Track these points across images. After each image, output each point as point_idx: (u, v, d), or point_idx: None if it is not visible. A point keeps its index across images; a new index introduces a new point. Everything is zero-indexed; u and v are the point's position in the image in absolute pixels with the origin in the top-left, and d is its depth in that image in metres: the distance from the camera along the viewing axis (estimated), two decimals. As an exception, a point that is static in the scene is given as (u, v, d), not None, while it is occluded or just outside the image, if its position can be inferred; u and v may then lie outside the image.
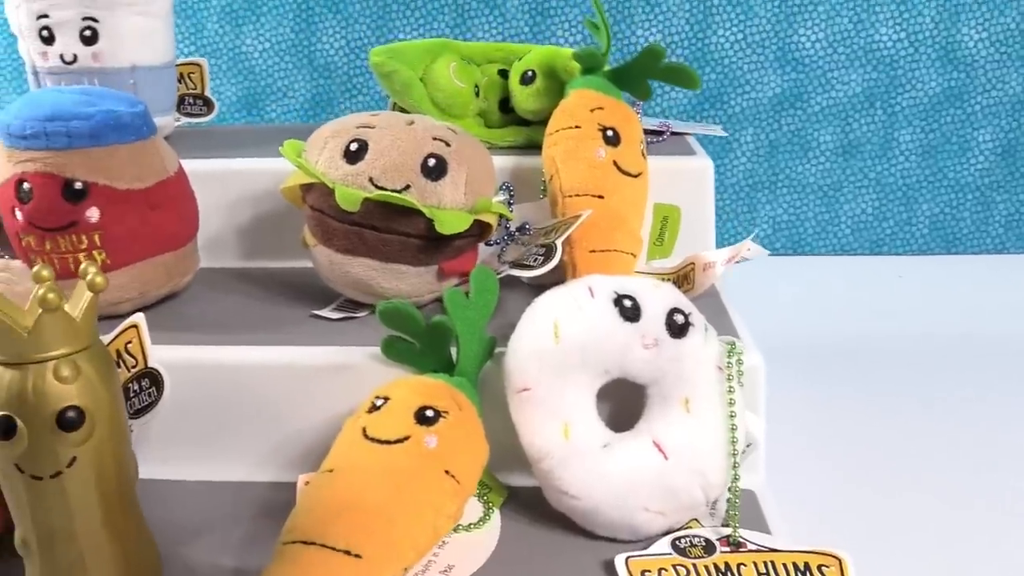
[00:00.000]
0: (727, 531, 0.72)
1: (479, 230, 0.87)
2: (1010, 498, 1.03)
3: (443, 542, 0.71)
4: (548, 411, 0.73)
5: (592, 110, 0.91)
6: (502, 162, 1.00)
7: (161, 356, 0.78)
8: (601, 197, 0.87)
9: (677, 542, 0.71)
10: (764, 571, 0.68)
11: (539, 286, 0.88)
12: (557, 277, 0.85)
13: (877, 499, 1.03)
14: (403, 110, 1.06)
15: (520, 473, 0.79)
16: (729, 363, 0.74)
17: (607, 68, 0.97)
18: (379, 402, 0.72)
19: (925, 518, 0.99)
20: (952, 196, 1.85)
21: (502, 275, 0.82)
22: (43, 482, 0.61)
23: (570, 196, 0.88)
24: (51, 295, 0.58)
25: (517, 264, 0.84)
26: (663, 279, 0.89)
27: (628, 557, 0.69)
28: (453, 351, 0.77)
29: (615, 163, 0.89)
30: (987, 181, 1.84)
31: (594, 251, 0.86)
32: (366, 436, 0.69)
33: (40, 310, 0.59)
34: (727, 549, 0.71)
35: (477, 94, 1.06)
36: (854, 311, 1.61)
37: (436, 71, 1.03)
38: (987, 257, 1.87)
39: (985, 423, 1.20)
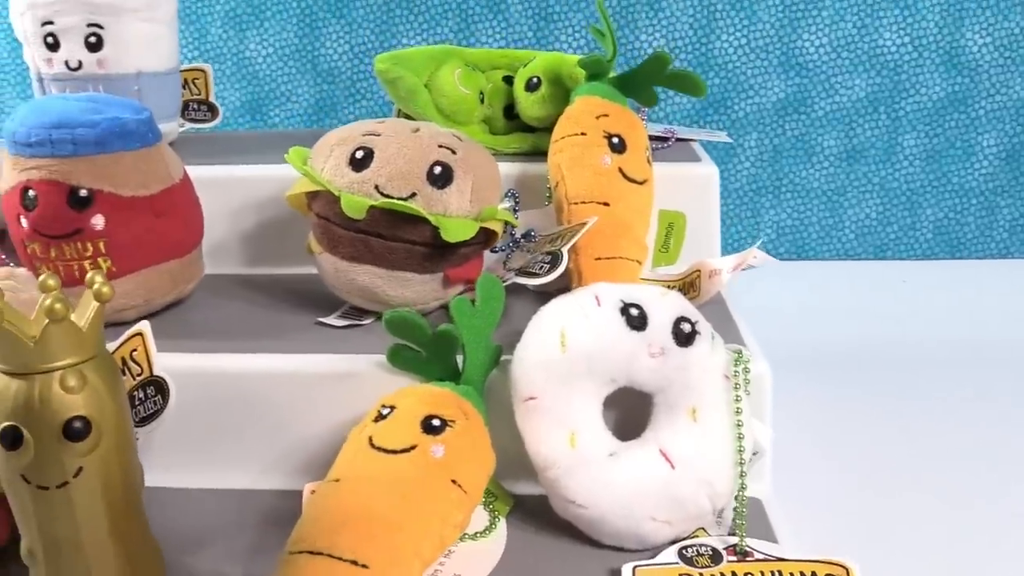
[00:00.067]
0: (734, 540, 0.72)
1: (485, 237, 0.87)
2: (1017, 503, 1.03)
3: (449, 551, 0.71)
4: (554, 420, 0.73)
5: (598, 117, 0.91)
6: (507, 169, 0.99)
7: (166, 364, 0.78)
8: (607, 204, 0.87)
9: (684, 551, 0.71)
10: (771, 581, 0.68)
11: (545, 293, 0.88)
12: (562, 284, 0.85)
13: (883, 506, 1.02)
14: (408, 116, 1.05)
15: (526, 481, 0.78)
16: (736, 371, 0.74)
17: (612, 75, 0.97)
18: (385, 411, 0.72)
19: (933, 525, 0.99)
20: (956, 201, 1.84)
21: (508, 283, 0.82)
22: (49, 492, 0.61)
23: (575, 203, 0.88)
24: (58, 305, 0.58)
25: (523, 272, 0.84)
26: (669, 286, 0.89)
27: (635, 566, 0.69)
28: (459, 359, 0.77)
29: (621, 170, 0.89)
30: (991, 186, 1.83)
31: (600, 258, 0.86)
32: (372, 445, 0.69)
33: (47, 320, 0.59)
34: (734, 558, 0.70)
35: (482, 101, 1.06)
36: (858, 316, 1.60)
37: (441, 78, 1.03)
38: (991, 262, 1.87)
39: (991, 428, 1.20)
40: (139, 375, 0.78)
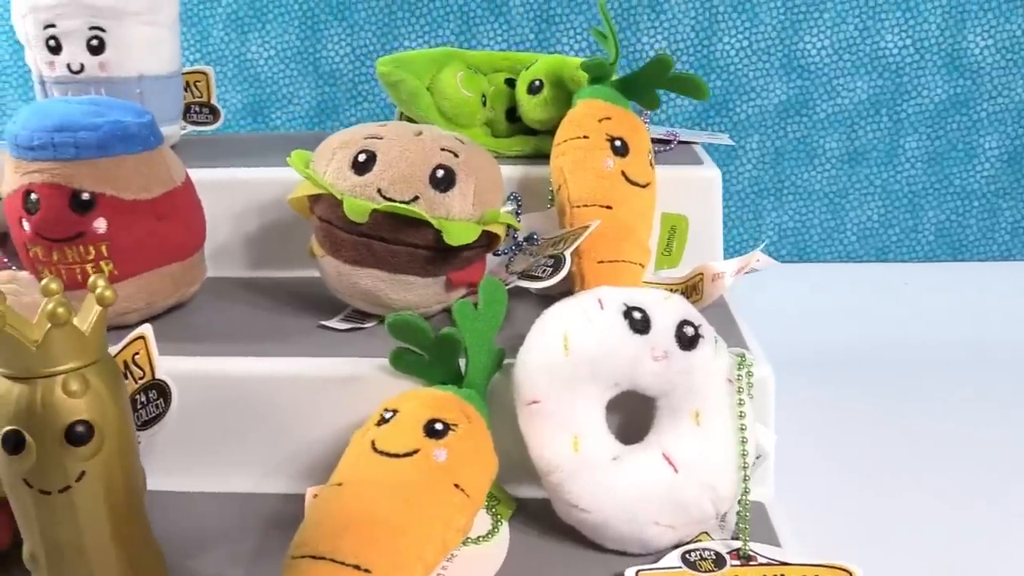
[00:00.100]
0: (737, 544, 0.72)
1: (487, 241, 0.87)
2: (1019, 504, 1.02)
3: (451, 555, 0.70)
4: (558, 424, 0.73)
5: (600, 120, 0.91)
6: (509, 172, 0.99)
7: (168, 367, 0.78)
8: (609, 207, 0.87)
9: (687, 555, 0.71)
10: (775, 585, 0.68)
11: (547, 297, 0.88)
12: (565, 287, 0.85)
13: (886, 509, 1.02)
14: (410, 119, 1.05)
15: (528, 485, 0.78)
16: (739, 375, 0.74)
17: (615, 77, 0.97)
18: (388, 415, 0.72)
19: (936, 527, 0.98)
20: (958, 203, 1.84)
21: (510, 286, 0.82)
22: (52, 497, 0.61)
23: (578, 206, 0.88)
24: (60, 309, 0.58)
25: (525, 275, 0.84)
26: (671, 289, 0.89)
27: (638, 571, 0.69)
28: (462, 363, 0.77)
29: (623, 173, 0.89)
30: (993, 188, 1.83)
31: (602, 262, 0.86)
32: (375, 449, 0.69)
33: (49, 324, 0.59)
34: (737, 563, 0.70)
35: (484, 103, 1.06)
36: (859, 318, 1.60)
37: (443, 80, 1.03)
38: (993, 264, 1.87)
39: (993, 430, 1.20)
40: (141, 379, 0.78)
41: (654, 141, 0.99)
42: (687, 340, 0.74)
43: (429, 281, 0.85)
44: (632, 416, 0.77)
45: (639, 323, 0.74)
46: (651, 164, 0.93)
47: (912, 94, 1.79)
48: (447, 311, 0.88)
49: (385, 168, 0.82)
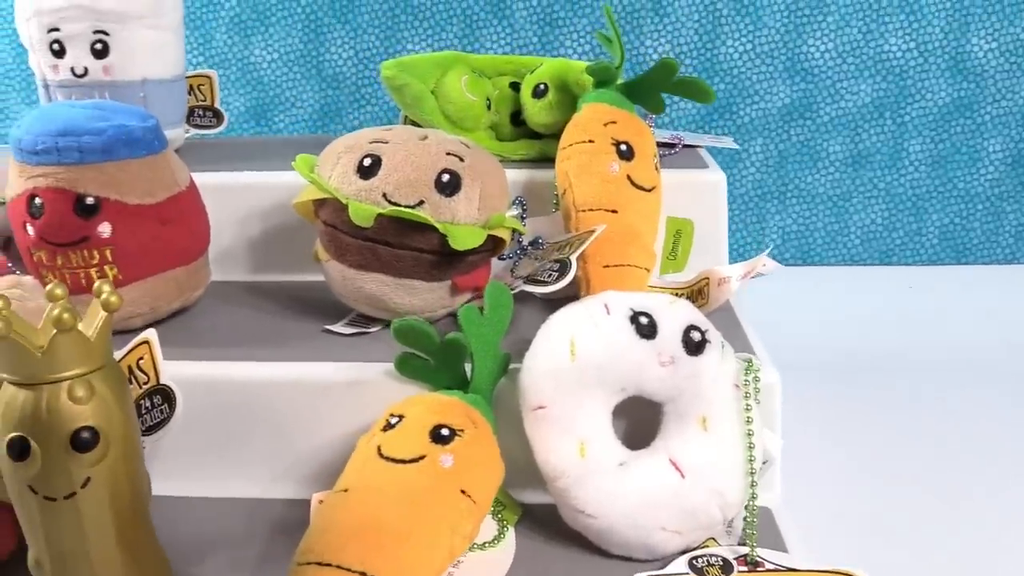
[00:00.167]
0: (744, 550, 0.72)
1: (492, 245, 0.87)
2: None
3: (457, 561, 0.70)
4: (564, 429, 0.72)
5: (605, 124, 0.91)
6: (514, 176, 0.99)
7: (173, 372, 0.78)
8: (615, 212, 0.87)
9: (694, 561, 0.71)
10: (783, 592, 0.68)
11: (552, 301, 0.88)
12: (570, 292, 0.85)
13: (891, 513, 1.02)
14: (415, 123, 1.05)
15: (534, 490, 0.78)
16: (746, 380, 0.74)
17: (620, 81, 0.97)
18: (394, 420, 0.71)
19: (943, 533, 0.98)
20: (962, 206, 1.84)
21: (516, 290, 0.82)
22: (57, 503, 0.60)
23: (584, 211, 0.87)
24: (66, 315, 0.58)
25: (531, 280, 0.84)
26: (677, 294, 0.89)
27: (645, 577, 0.69)
28: (467, 368, 0.77)
29: (629, 177, 0.89)
30: (997, 191, 1.83)
31: (608, 266, 0.85)
32: (381, 455, 0.68)
33: (54, 330, 0.58)
34: (744, 568, 0.70)
35: (489, 107, 1.06)
36: (863, 321, 1.60)
37: (448, 84, 1.03)
38: (997, 267, 1.86)
39: (999, 434, 1.19)
40: (146, 383, 0.78)
41: (659, 145, 0.99)
42: (694, 345, 0.74)
43: (434, 285, 0.85)
44: (638, 421, 0.77)
45: (646, 328, 0.73)
46: (656, 168, 0.92)
47: (916, 97, 1.79)
48: (452, 316, 0.87)
49: (390, 172, 0.82)
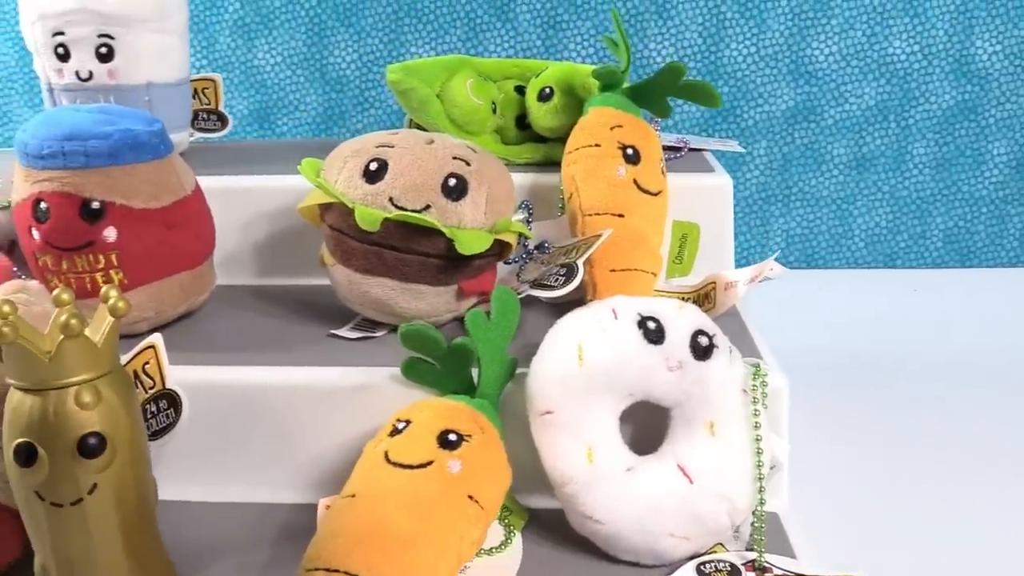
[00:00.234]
0: (752, 556, 0.71)
1: (499, 249, 0.87)
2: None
3: (464, 566, 0.70)
4: (571, 434, 0.72)
5: (612, 128, 0.91)
6: (519, 179, 0.99)
7: (178, 377, 0.78)
8: (621, 216, 0.87)
9: (702, 567, 0.71)
10: (791, 598, 0.68)
11: (559, 305, 0.87)
12: (576, 296, 0.85)
13: (896, 516, 1.01)
14: (420, 127, 1.05)
15: (541, 495, 0.78)
16: (754, 386, 0.73)
17: (626, 85, 0.97)
18: (401, 425, 0.71)
19: (951, 537, 0.98)
20: (966, 209, 1.83)
21: (522, 295, 0.81)
22: (64, 509, 0.60)
23: (590, 215, 0.87)
24: (73, 320, 0.58)
25: (538, 284, 0.84)
26: (684, 298, 0.88)
27: (653, 583, 0.69)
28: (474, 372, 0.77)
29: (635, 181, 0.88)
30: (1001, 194, 1.82)
31: (614, 270, 0.85)
32: (388, 460, 0.68)
33: (61, 335, 0.58)
34: (752, 574, 0.70)
35: (494, 111, 1.06)
36: (868, 325, 1.59)
37: (453, 88, 1.03)
38: (1002, 270, 1.86)
39: (1004, 437, 1.19)
40: (151, 388, 0.77)
41: (664, 149, 0.99)
42: (702, 350, 0.73)
43: (440, 290, 0.85)
44: (646, 426, 0.77)
45: (653, 333, 0.73)
46: (663, 172, 0.92)
47: (920, 100, 1.78)
48: (458, 320, 0.87)
49: (397, 177, 0.82)
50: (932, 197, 1.83)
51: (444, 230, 0.81)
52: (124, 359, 0.76)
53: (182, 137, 1.14)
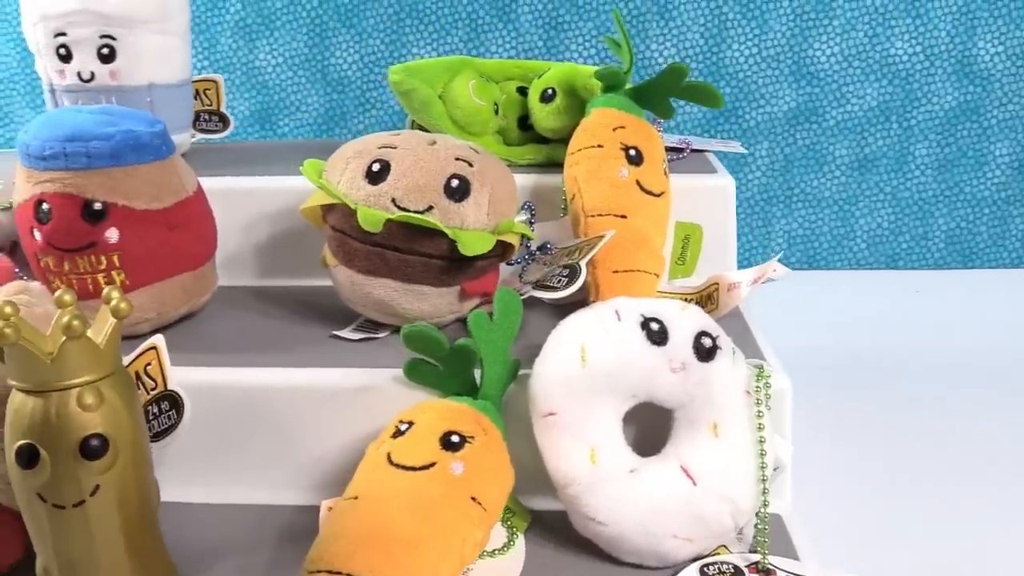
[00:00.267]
0: (756, 558, 0.71)
1: (501, 250, 0.87)
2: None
3: (467, 569, 0.70)
4: (574, 436, 0.72)
5: (614, 129, 0.91)
6: (522, 180, 0.99)
7: (180, 378, 0.78)
8: (624, 217, 0.87)
9: (705, 569, 0.70)
10: (795, 600, 0.68)
11: (561, 306, 0.87)
12: (579, 297, 0.84)
13: (900, 517, 1.01)
14: (422, 128, 1.05)
15: (544, 497, 0.78)
16: (757, 387, 0.73)
17: (628, 86, 0.97)
18: (403, 427, 0.71)
19: (954, 537, 0.97)
20: (968, 210, 1.83)
21: (525, 296, 0.81)
22: (66, 511, 0.60)
23: (593, 216, 0.87)
24: (75, 322, 0.58)
25: (540, 285, 0.84)
26: (686, 299, 0.88)
27: (656, 585, 0.69)
28: (477, 374, 0.76)
29: (638, 182, 0.88)
30: (1004, 195, 1.82)
31: (617, 271, 0.85)
32: (391, 462, 0.68)
33: (63, 337, 0.58)
34: (756, 576, 0.70)
35: (496, 112, 1.06)
36: (869, 326, 1.59)
37: (455, 89, 1.03)
38: (1004, 272, 1.86)
39: (1008, 439, 1.19)
40: (153, 389, 0.77)
41: (667, 150, 0.99)
42: (705, 351, 0.73)
43: (443, 291, 0.85)
44: (649, 428, 0.77)
45: (657, 334, 0.73)
46: (665, 173, 0.92)
47: (922, 101, 1.78)
48: (460, 321, 0.87)
49: (399, 178, 0.82)
50: (934, 198, 1.83)
51: (447, 231, 0.81)
52: (126, 360, 0.76)
53: (184, 138, 1.14)
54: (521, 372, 0.78)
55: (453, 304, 0.86)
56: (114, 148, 0.82)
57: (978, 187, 1.82)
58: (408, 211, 0.81)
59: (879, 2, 1.73)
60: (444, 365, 0.75)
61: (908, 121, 1.79)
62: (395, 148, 0.84)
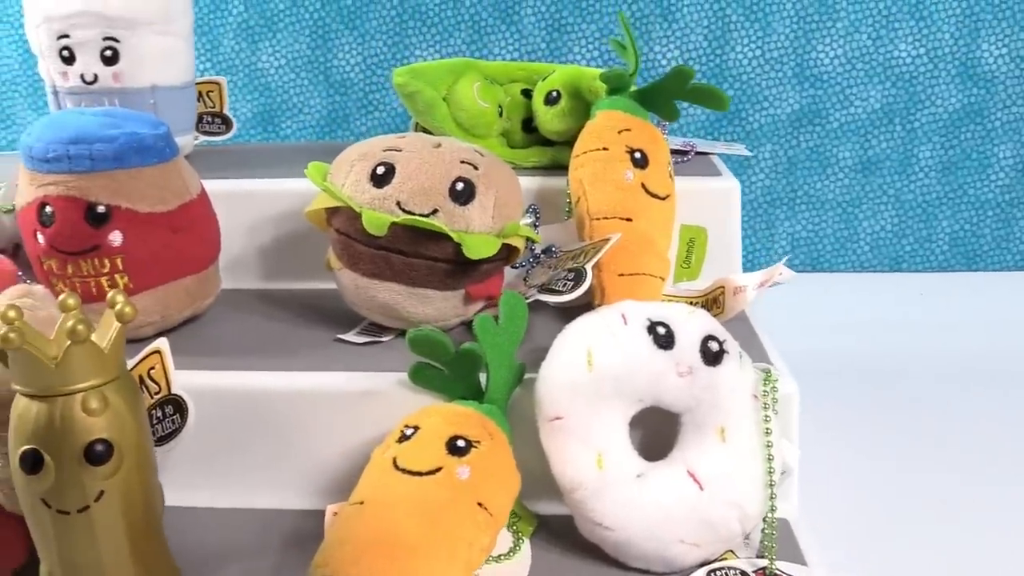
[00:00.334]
0: (763, 563, 0.71)
1: (506, 253, 0.86)
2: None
3: (473, 574, 0.69)
4: (581, 440, 0.72)
5: (619, 132, 0.90)
6: (526, 183, 0.98)
7: (184, 381, 0.77)
8: (629, 220, 0.86)
9: (712, 574, 0.70)
10: (803, 606, 0.67)
11: (566, 310, 0.87)
12: (584, 300, 0.84)
13: (905, 521, 1.01)
14: (426, 130, 1.05)
15: (550, 501, 0.77)
16: (764, 391, 0.73)
17: (633, 89, 0.96)
18: (409, 431, 0.71)
19: (961, 541, 0.97)
20: (972, 213, 1.83)
21: (531, 300, 0.81)
22: (70, 517, 0.60)
23: (598, 219, 0.87)
24: (80, 326, 0.57)
25: (546, 289, 0.83)
26: (692, 302, 0.88)
27: (663, 590, 0.68)
28: (482, 378, 0.76)
29: (643, 185, 0.88)
30: (1007, 198, 1.82)
31: (623, 275, 0.85)
32: (397, 467, 0.67)
33: (68, 341, 0.58)
34: (764, 582, 0.69)
35: (500, 114, 1.05)
36: (874, 328, 1.59)
37: (459, 91, 1.02)
38: (1008, 274, 1.86)
39: (1013, 441, 1.19)
40: (157, 394, 0.77)
41: (671, 152, 0.98)
42: (712, 355, 0.73)
43: (448, 295, 0.84)
44: (656, 432, 0.76)
45: (663, 338, 0.73)
46: (670, 175, 0.92)
47: (926, 103, 1.78)
48: (465, 325, 0.87)
49: (404, 181, 0.82)
50: (938, 200, 1.83)
51: (452, 234, 0.81)
52: (130, 364, 0.75)
53: (187, 140, 1.13)
54: (527, 376, 0.77)
55: (458, 308, 0.86)
56: (118, 151, 0.81)
57: (982, 189, 1.82)
58: (413, 214, 0.81)
59: (883, 4, 1.73)
60: (449, 369, 0.75)
61: (912, 123, 1.79)
62: (400, 151, 0.84)
